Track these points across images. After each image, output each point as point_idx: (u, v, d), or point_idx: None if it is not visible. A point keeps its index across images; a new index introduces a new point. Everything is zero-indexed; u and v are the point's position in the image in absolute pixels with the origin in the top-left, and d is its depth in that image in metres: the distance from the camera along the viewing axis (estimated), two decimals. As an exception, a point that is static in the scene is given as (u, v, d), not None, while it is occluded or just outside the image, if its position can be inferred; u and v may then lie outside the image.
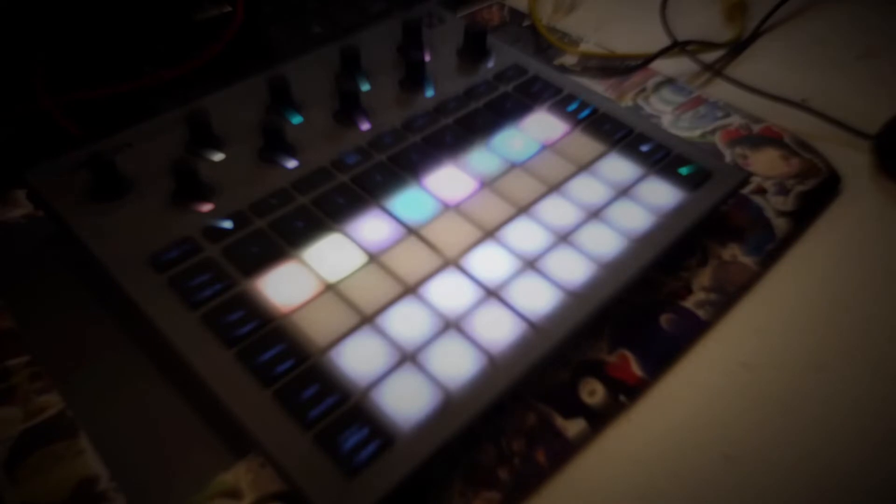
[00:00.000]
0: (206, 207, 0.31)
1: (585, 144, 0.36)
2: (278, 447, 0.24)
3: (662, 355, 0.30)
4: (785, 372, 0.30)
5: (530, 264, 0.30)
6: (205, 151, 0.34)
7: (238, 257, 0.29)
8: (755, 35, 0.48)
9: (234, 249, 0.30)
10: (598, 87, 0.43)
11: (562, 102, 0.38)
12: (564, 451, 0.27)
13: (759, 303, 0.33)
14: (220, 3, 0.45)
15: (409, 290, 0.29)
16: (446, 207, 0.32)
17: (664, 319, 0.31)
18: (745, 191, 0.37)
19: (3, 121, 0.38)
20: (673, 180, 0.34)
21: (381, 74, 0.39)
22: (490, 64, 0.40)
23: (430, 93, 0.38)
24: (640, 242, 0.31)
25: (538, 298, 0.29)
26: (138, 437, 0.27)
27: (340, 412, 0.25)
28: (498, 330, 0.28)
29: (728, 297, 0.32)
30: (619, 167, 0.35)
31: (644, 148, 0.35)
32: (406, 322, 0.28)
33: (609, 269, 0.30)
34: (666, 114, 0.42)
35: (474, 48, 0.40)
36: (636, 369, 0.29)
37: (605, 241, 0.31)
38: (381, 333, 0.27)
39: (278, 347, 0.26)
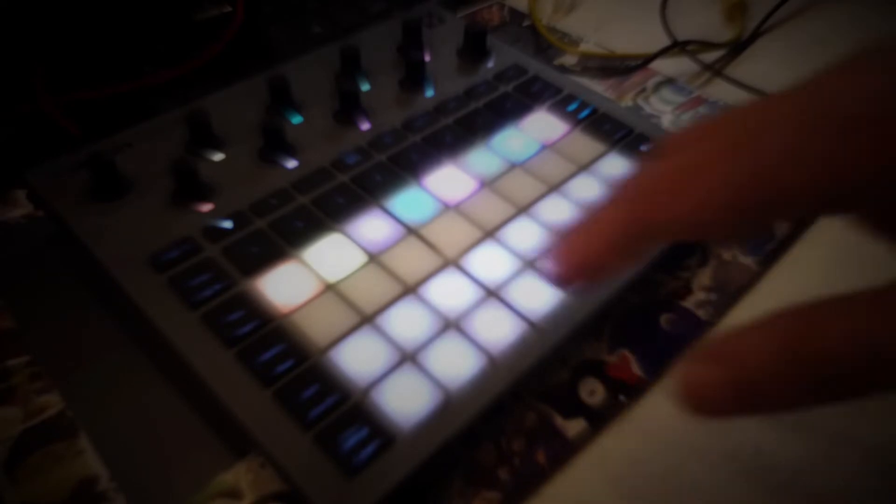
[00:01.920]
0: (206, 207, 0.31)
1: (585, 144, 0.36)
2: (278, 447, 0.24)
3: (662, 355, 0.30)
4: (785, 372, 0.30)
5: (530, 264, 0.30)
6: (205, 151, 0.34)
7: (238, 257, 0.29)
8: (755, 35, 0.48)
9: (234, 249, 0.30)
10: (598, 87, 0.43)
11: (562, 102, 0.38)
12: (564, 451, 0.27)
13: (759, 303, 0.32)
14: (220, 3, 0.45)
15: (409, 289, 0.29)
16: (446, 207, 0.32)
17: (664, 319, 0.31)
18: (745, 191, 0.37)
19: (3, 121, 0.38)
20: (673, 180, 0.34)
21: (381, 74, 0.39)
22: (490, 64, 0.40)
23: (430, 93, 0.38)
24: (640, 242, 0.31)
25: (538, 298, 0.29)
26: (138, 437, 0.27)
27: (340, 412, 0.25)
28: (498, 330, 0.28)
29: (728, 297, 0.32)
30: (619, 167, 0.35)
31: (644, 148, 0.35)
32: (406, 322, 0.28)
33: (609, 269, 0.30)
34: (666, 114, 0.42)
35: (474, 48, 0.40)
36: (636, 369, 0.29)
37: (605, 241, 0.31)
38: (381, 333, 0.27)
39: (278, 347, 0.26)
